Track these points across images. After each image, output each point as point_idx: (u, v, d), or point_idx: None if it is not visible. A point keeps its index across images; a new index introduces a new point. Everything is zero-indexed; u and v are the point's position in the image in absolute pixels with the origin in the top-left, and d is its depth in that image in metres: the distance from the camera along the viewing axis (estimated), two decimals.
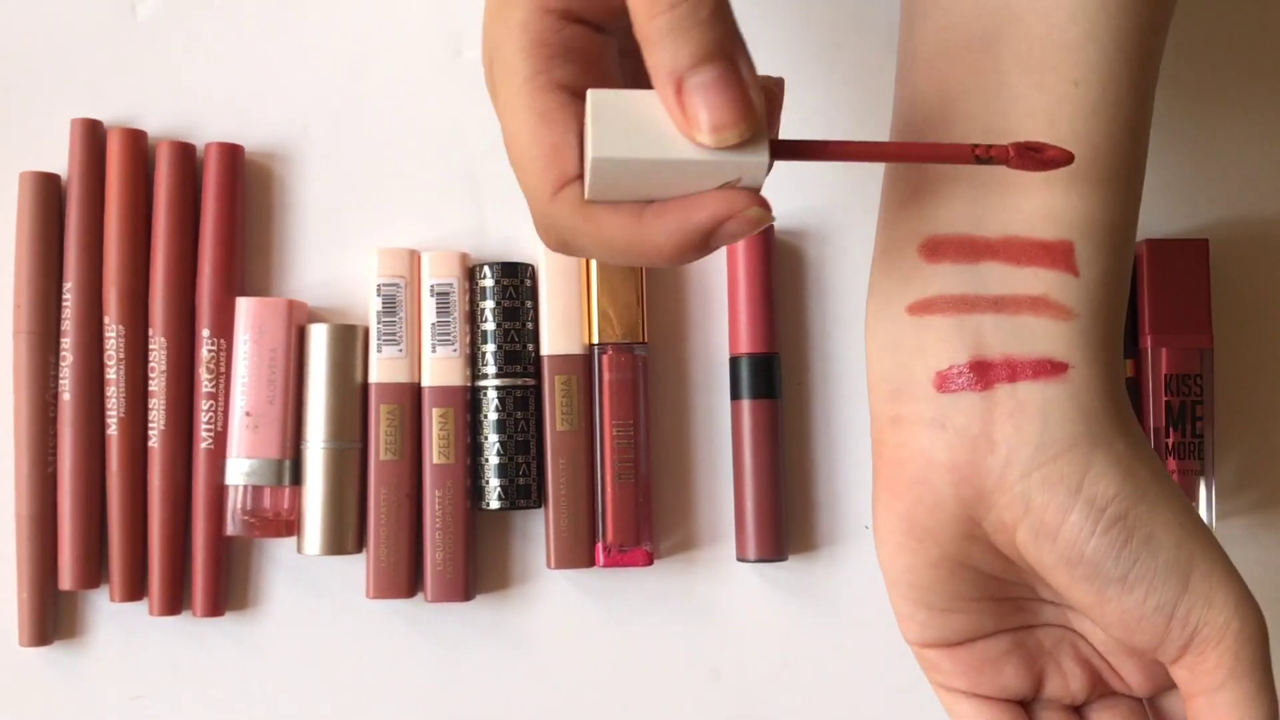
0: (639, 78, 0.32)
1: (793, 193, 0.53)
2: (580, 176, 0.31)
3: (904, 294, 0.35)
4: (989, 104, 0.34)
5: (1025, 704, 0.37)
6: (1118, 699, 0.37)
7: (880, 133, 0.52)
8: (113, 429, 0.51)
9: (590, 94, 0.31)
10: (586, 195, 0.31)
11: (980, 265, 0.34)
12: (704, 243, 0.31)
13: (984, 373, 0.33)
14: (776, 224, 0.52)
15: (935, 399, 0.33)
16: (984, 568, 0.35)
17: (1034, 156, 0.32)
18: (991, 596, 0.36)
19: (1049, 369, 0.33)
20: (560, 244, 0.33)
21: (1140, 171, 0.35)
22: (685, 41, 0.29)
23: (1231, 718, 0.33)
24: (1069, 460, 0.32)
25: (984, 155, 0.32)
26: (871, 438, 0.36)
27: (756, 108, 0.30)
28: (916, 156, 0.33)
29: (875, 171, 0.53)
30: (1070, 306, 0.33)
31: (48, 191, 0.52)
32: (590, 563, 0.51)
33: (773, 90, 0.33)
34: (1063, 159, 0.32)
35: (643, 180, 0.31)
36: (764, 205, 0.31)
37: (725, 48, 0.30)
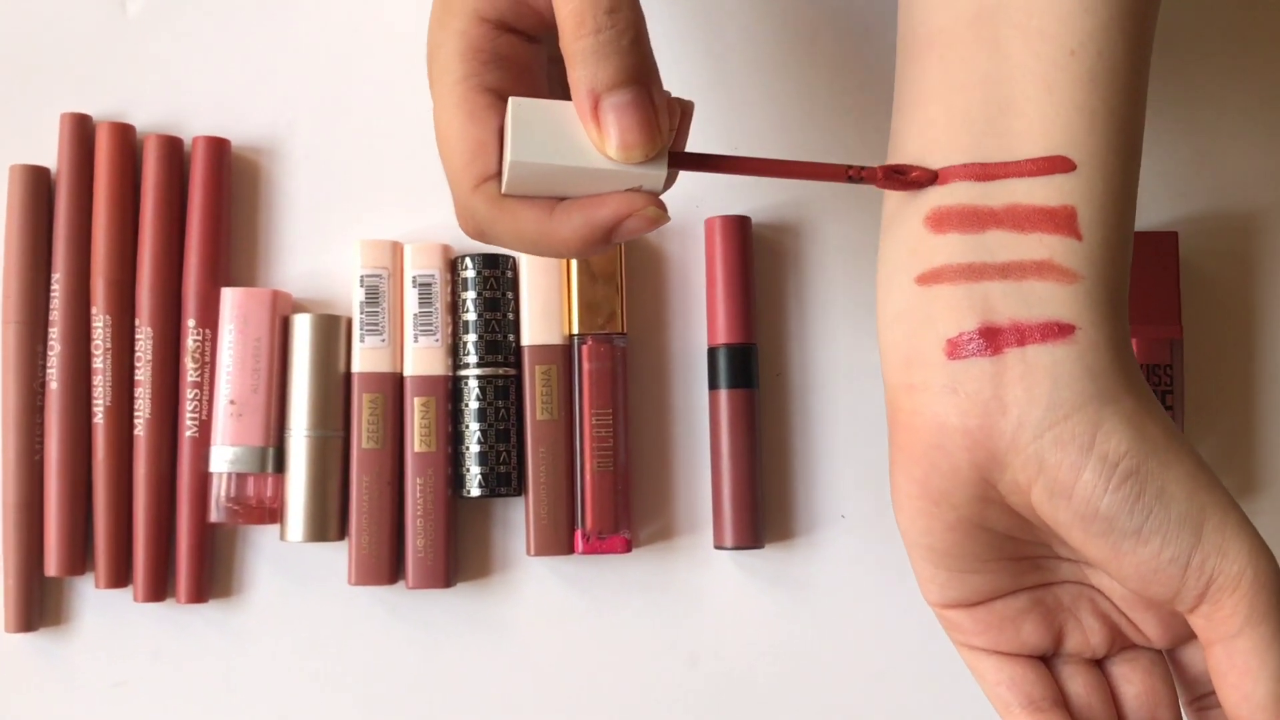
0: (565, 84, 0.35)
1: (771, 185, 0.53)
2: (499, 173, 0.35)
3: (912, 265, 0.35)
4: (989, 74, 0.35)
5: (1046, 659, 0.38)
6: (1137, 651, 0.38)
7: (856, 119, 0.53)
8: (99, 417, 0.52)
9: (511, 101, 0.35)
10: (503, 190, 0.35)
11: (985, 234, 0.34)
12: (606, 237, 0.35)
13: (993, 338, 0.34)
14: (755, 216, 0.53)
15: (947, 366, 0.34)
16: (1000, 528, 0.36)
17: (899, 178, 0.35)
18: (1009, 556, 0.36)
19: (1056, 331, 0.33)
20: (477, 233, 0.37)
21: (1139, 138, 0.36)
22: (605, 64, 0.33)
23: (1250, 662, 0.33)
24: (1080, 419, 0.33)
25: (856, 175, 0.35)
26: (886, 406, 0.37)
27: (663, 131, 0.34)
28: (800, 173, 0.36)
29: (855, 159, 0.53)
30: (1075, 270, 0.34)
31: (37, 184, 0.53)
32: (569, 550, 0.51)
33: (684, 109, 0.36)
34: (925, 180, 0.35)
35: (554, 182, 0.35)
36: (660, 206, 0.35)
37: (640, 74, 0.34)
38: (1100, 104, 0.35)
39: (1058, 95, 0.34)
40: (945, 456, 0.34)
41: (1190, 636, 0.37)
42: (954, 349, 0.34)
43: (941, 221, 0.35)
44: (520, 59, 0.37)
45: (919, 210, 0.35)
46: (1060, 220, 0.34)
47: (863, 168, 0.35)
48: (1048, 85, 0.34)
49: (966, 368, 0.34)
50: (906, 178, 0.35)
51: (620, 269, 0.52)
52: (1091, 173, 0.34)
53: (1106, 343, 0.34)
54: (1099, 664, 0.38)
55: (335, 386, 0.51)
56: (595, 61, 0.33)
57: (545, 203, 0.35)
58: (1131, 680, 0.38)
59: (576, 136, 0.34)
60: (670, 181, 0.36)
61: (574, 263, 0.52)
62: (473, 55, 0.36)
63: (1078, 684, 0.38)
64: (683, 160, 0.36)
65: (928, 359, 0.35)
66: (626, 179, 0.34)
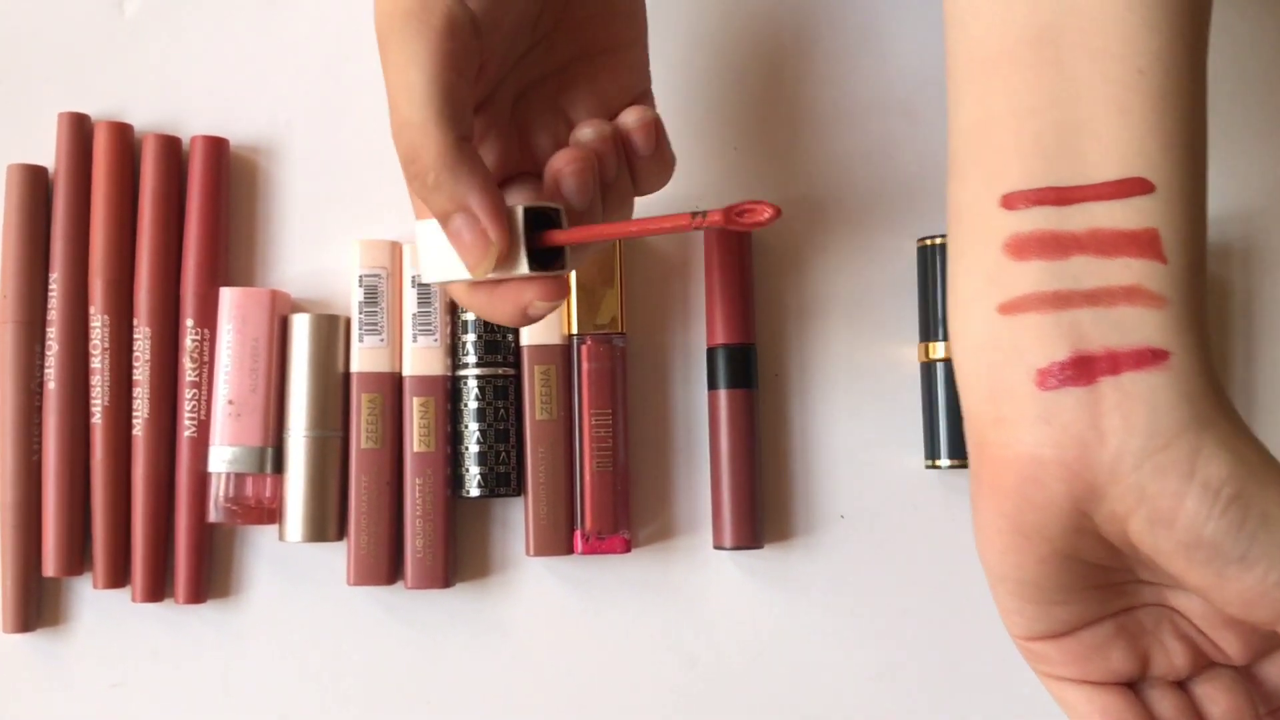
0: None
1: (772, 186, 0.53)
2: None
3: (992, 294, 0.34)
4: (1058, 97, 0.34)
5: (1132, 685, 0.37)
6: (1218, 670, 0.37)
7: (850, 125, 0.53)
8: (97, 417, 0.51)
9: (416, 225, 0.41)
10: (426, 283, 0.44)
11: (1070, 260, 0.34)
12: (526, 319, 0.40)
13: (1086, 367, 0.33)
14: None
15: (1038, 397, 0.33)
16: (1091, 558, 0.35)
17: (738, 220, 0.36)
18: (1096, 584, 0.36)
19: (1151, 358, 0.33)
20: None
21: (1205, 156, 0.35)
22: (429, 204, 0.38)
23: None
24: (1180, 446, 0.32)
25: (700, 223, 0.37)
26: (969, 440, 0.36)
27: (495, 242, 0.38)
28: (644, 230, 0.39)
29: (853, 163, 0.54)
30: (1163, 294, 0.33)
31: (35, 184, 0.53)
32: (569, 550, 0.51)
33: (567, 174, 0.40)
34: (766, 220, 0.36)
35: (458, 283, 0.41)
36: (547, 294, 0.39)
37: (456, 202, 0.37)
38: (1172, 123, 0.34)
39: (1130, 116, 0.34)
40: (1040, 490, 0.34)
41: (1268, 651, 0.37)
42: (1044, 379, 0.33)
43: (1022, 248, 0.34)
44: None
45: (995, 237, 0.35)
46: (1144, 243, 0.33)
47: (705, 212, 0.36)
48: (1120, 106, 0.34)
49: (1059, 398, 0.33)
50: (743, 220, 0.36)
51: (619, 269, 0.52)
52: (1169, 193, 0.34)
53: (1198, 367, 0.33)
54: (1182, 686, 0.38)
55: (334, 386, 0.51)
56: (425, 201, 0.38)
57: (482, 286, 0.40)
58: (1216, 700, 0.37)
59: None
60: (554, 267, 0.39)
61: (573, 298, 0.52)
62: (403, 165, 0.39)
63: (1166, 707, 0.37)
64: (541, 253, 0.39)
65: (1016, 391, 0.34)
66: (503, 276, 0.39)
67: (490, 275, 0.38)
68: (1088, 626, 0.37)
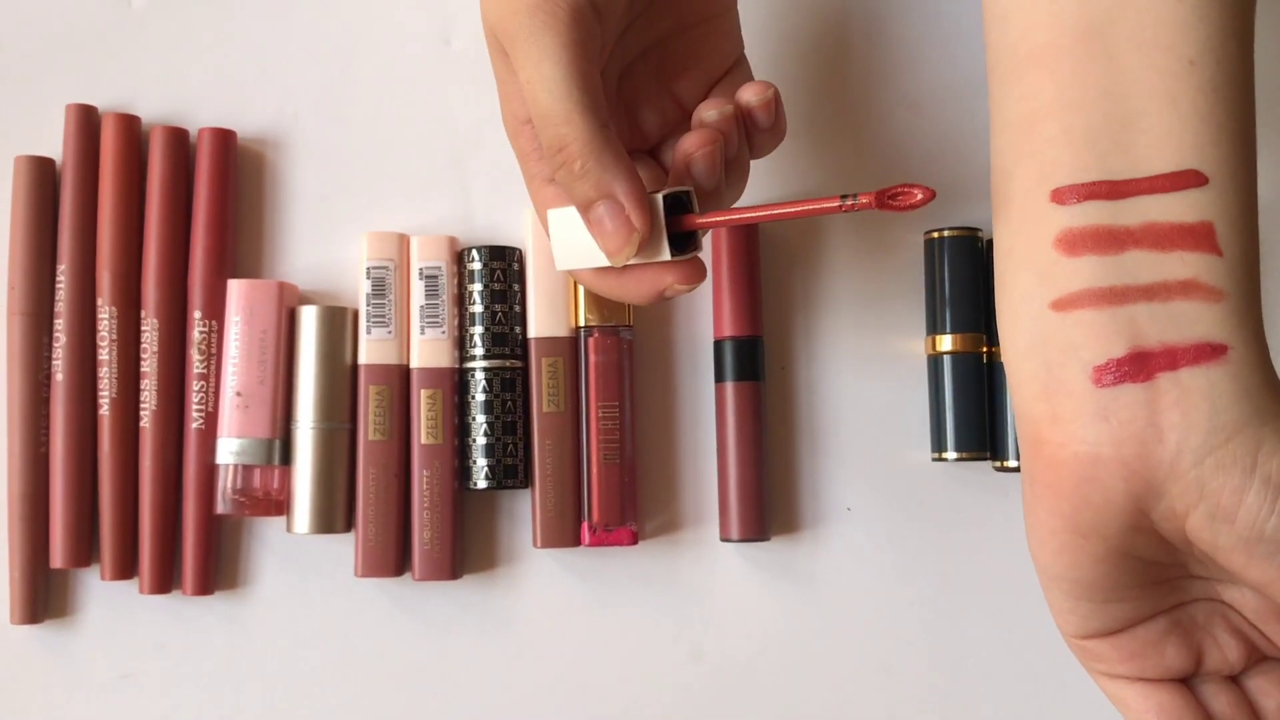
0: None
1: (779, 178, 0.53)
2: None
3: (1045, 290, 0.34)
4: (1108, 90, 0.34)
5: (1186, 681, 0.37)
6: (1271, 664, 0.37)
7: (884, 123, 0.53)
8: (105, 409, 0.51)
9: (549, 213, 0.42)
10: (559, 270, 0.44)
11: (1124, 254, 0.33)
12: (659, 299, 0.42)
13: (1144, 363, 0.33)
14: None
15: (1095, 394, 0.33)
16: (1147, 555, 0.35)
17: (891, 204, 0.37)
18: (1151, 581, 0.36)
19: (1209, 352, 0.33)
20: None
21: (1254, 147, 0.35)
22: (574, 192, 0.39)
23: None
24: (1240, 441, 0.32)
25: (849, 206, 0.37)
26: (1022, 439, 0.35)
27: (636, 230, 0.39)
28: (797, 213, 0.39)
29: (860, 156, 0.54)
30: (1220, 287, 0.33)
31: (42, 175, 0.52)
32: (576, 542, 0.51)
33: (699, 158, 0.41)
34: (919, 201, 0.36)
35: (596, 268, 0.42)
36: (687, 277, 0.41)
37: (602, 190, 0.39)
38: (1224, 114, 0.34)
39: (1182, 107, 0.33)
40: (1098, 489, 0.33)
41: None
42: (1101, 376, 0.33)
43: (1075, 244, 0.34)
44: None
45: (1046, 233, 0.34)
46: (1200, 237, 0.33)
47: (855, 195, 0.37)
48: (1171, 98, 0.34)
49: (1117, 395, 0.33)
50: (901, 201, 0.36)
51: None
52: (1223, 185, 0.33)
53: (1257, 361, 0.33)
54: (1235, 680, 0.37)
55: (342, 378, 0.51)
56: (569, 190, 0.39)
57: (611, 271, 0.42)
58: (1270, 694, 0.37)
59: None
60: (689, 250, 0.41)
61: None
62: (528, 155, 0.42)
63: (1221, 703, 0.37)
64: (681, 237, 0.40)
65: (1072, 388, 0.33)
66: (640, 262, 0.40)
67: (630, 261, 0.40)
68: (1142, 623, 0.36)
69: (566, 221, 0.41)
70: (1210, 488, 0.32)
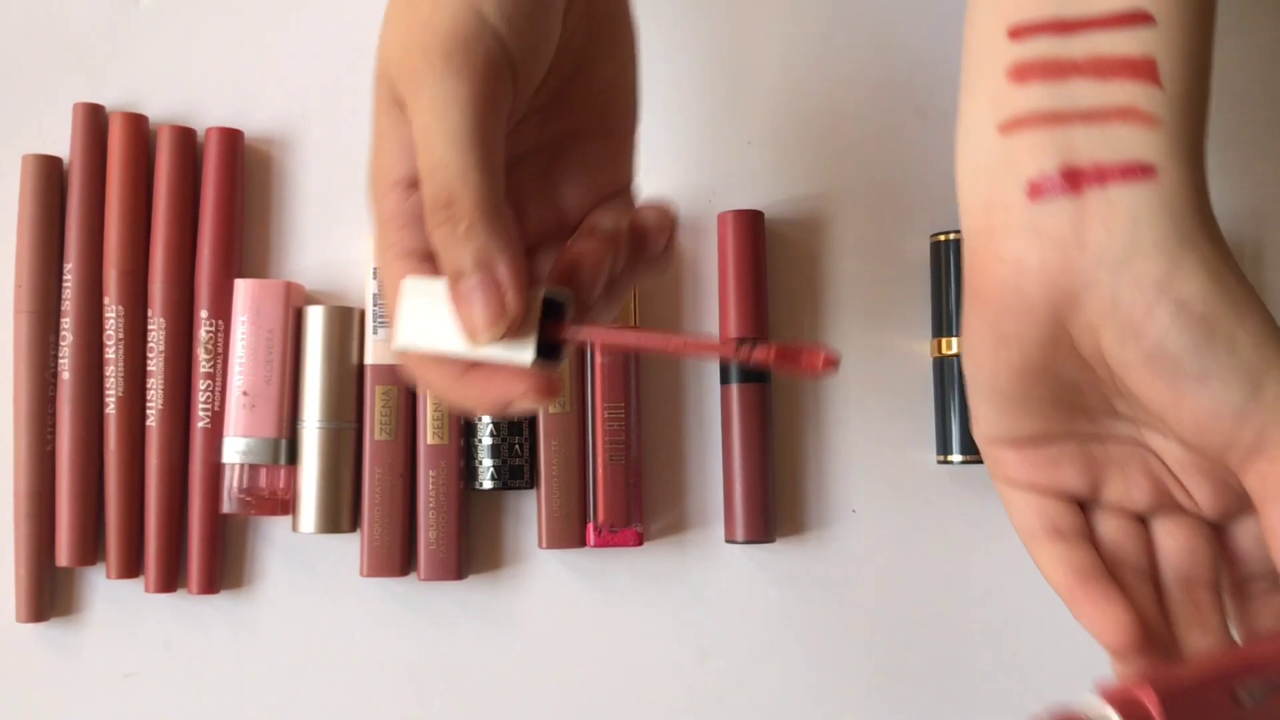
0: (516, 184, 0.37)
1: (785, 181, 0.53)
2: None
3: (994, 114, 0.36)
4: None
5: (1084, 505, 0.39)
6: (1183, 514, 0.38)
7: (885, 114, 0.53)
8: (111, 408, 0.52)
9: (404, 282, 0.35)
10: (395, 353, 0.37)
11: (1068, 82, 0.35)
12: (504, 410, 0.36)
13: (1075, 178, 0.34)
14: (768, 211, 0.53)
15: (1028, 207, 0.35)
16: (1065, 374, 0.36)
17: (792, 362, 0.34)
18: (1068, 404, 0.37)
19: (1138, 172, 0.34)
20: (413, 382, 0.38)
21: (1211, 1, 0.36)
22: (450, 256, 0.34)
23: None
24: (1157, 259, 0.33)
25: (745, 355, 0.34)
26: (964, 256, 0.37)
27: (511, 310, 0.34)
28: (684, 350, 0.36)
29: (866, 159, 0.54)
30: (1157, 115, 0.34)
31: (50, 174, 0.53)
32: (581, 543, 0.51)
33: (584, 259, 0.37)
34: (822, 369, 0.34)
35: (444, 354, 0.35)
36: (543, 390, 0.35)
37: (482, 259, 0.34)
38: None
39: None
40: (1021, 297, 0.35)
41: (1240, 511, 0.37)
42: (1035, 191, 0.35)
43: (1024, 73, 0.35)
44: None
45: (1000, 65, 0.36)
46: (1141, 69, 0.35)
47: (754, 343, 0.34)
48: None
49: (1047, 207, 0.34)
50: (802, 362, 0.34)
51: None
52: (1168, 26, 0.35)
53: (1188, 186, 0.34)
54: (1143, 522, 0.39)
55: (348, 378, 0.52)
56: (444, 250, 0.34)
57: (452, 368, 0.36)
58: (1175, 536, 0.38)
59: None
60: (552, 360, 0.35)
61: None
62: (388, 221, 0.36)
63: (1111, 527, 0.38)
64: (549, 347, 0.35)
65: (1009, 202, 0.35)
66: (503, 357, 0.35)
67: (484, 352, 0.35)
68: (1050, 443, 0.38)
69: (422, 294, 0.35)
70: (1123, 301, 0.34)
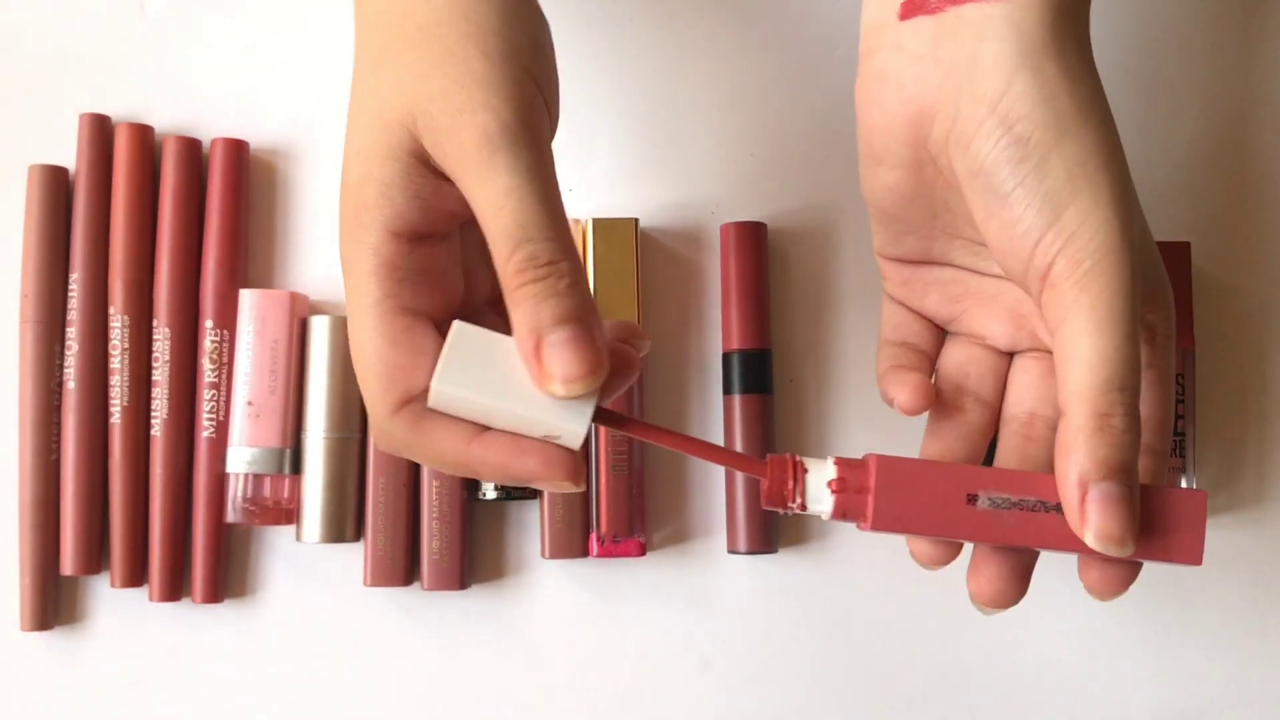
0: (479, 268, 0.37)
1: (788, 191, 0.54)
2: (419, 397, 0.34)
3: None
4: None
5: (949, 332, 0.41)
6: (1042, 353, 0.39)
7: None
8: (116, 417, 0.52)
9: (455, 325, 0.34)
10: (429, 404, 0.34)
11: None
12: (520, 483, 0.34)
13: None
14: (770, 223, 0.53)
15: (897, 28, 0.37)
16: (937, 196, 0.37)
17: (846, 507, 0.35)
18: (943, 230, 0.39)
19: None
20: (395, 450, 0.35)
21: None
22: (546, 306, 0.33)
23: (1069, 352, 0.33)
24: (995, 77, 0.34)
25: (787, 497, 0.36)
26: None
27: (603, 365, 0.33)
28: (717, 458, 0.36)
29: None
30: None
31: (56, 184, 0.53)
32: (584, 553, 0.51)
33: (626, 360, 0.35)
34: (864, 519, 0.36)
35: (476, 411, 0.34)
36: (575, 478, 0.34)
37: (580, 313, 0.33)
38: None
39: None
40: (884, 112, 0.37)
41: None
42: (906, 10, 0.36)
43: None
44: (436, 267, 0.35)
45: None
46: None
47: (797, 472, 0.36)
48: None
49: (913, 25, 0.36)
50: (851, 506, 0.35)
51: (636, 273, 0.52)
52: None
53: (1042, 7, 0.35)
54: (1010, 357, 0.40)
55: (352, 388, 0.52)
56: (536, 305, 0.33)
57: (466, 430, 0.34)
58: (1029, 370, 0.39)
59: (507, 373, 0.34)
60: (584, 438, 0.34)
61: (590, 267, 0.52)
62: (388, 274, 0.34)
63: (962, 354, 0.40)
64: (606, 416, 0.35)
65: (884, 24, 0.37)
66: (546, 424, 0.34)
67: (532, 413, 0.33)
68: (926, 264, 0.40)
69: (478, 343, 0.34)
70: (961, 114, 0.35)
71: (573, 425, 0.33)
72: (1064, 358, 0.34)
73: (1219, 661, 0.52)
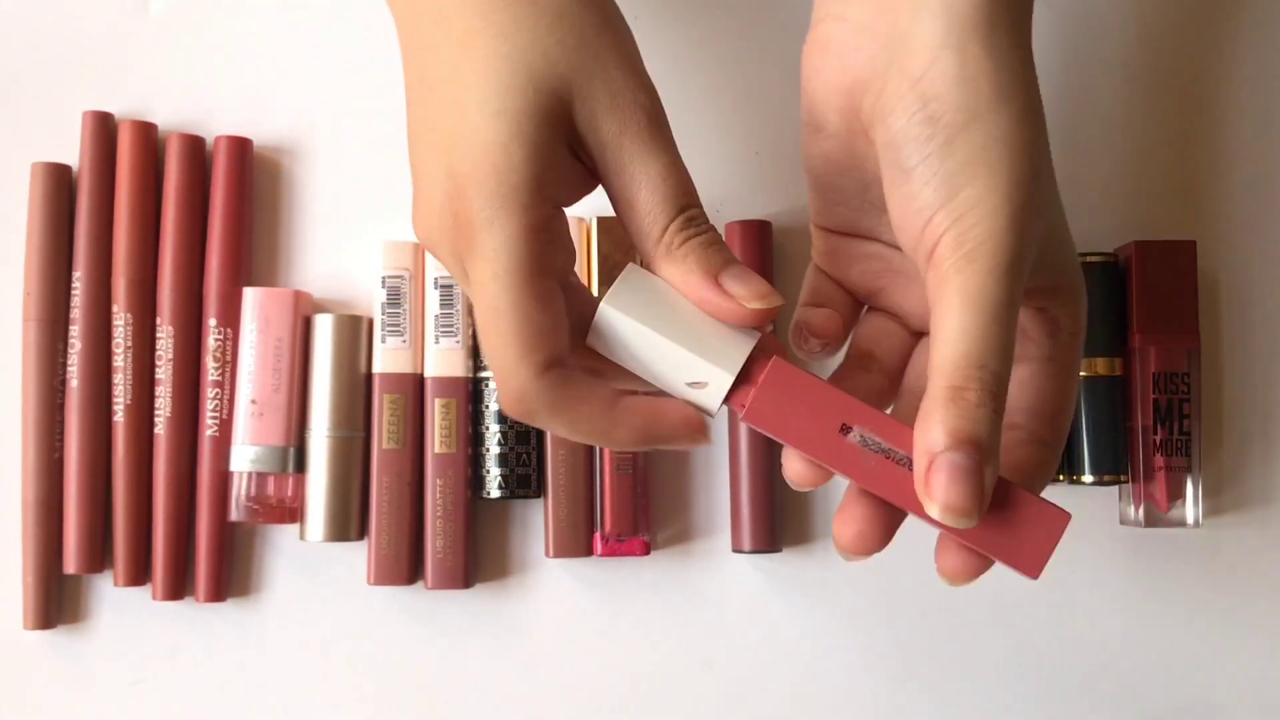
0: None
1: (794, 191, 0.54)
2: (563, 361, 0.35)
3: None
4: None
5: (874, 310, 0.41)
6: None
7: None
8: (119, 415, 0.52)
9: (629, 266, 0.36)
10: (586, 341, 0.36)
11: None
12: (654, 444, 0.36)
13: None
14: (775, 221, 0.53)
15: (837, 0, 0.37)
16: (867, 169, 0.37)
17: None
18: (873, 204, 0.39)
19: None
20: (527, 415, 0.36)
21: None
22: (714, 252, 0.36)
23: (937, 329, 0.34)
24: (920, 54, 0.34)
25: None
26: None
27: (775, 293, 0.36)
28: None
29: None
30: None
31: (59, 182, 0.53)
32: (588, 552, 0.51)
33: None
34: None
35: (635, 345, 0.36)
36: (708, 438, 0.36)
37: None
38: None
39: None
40: (823, 82, 0.37)
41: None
42: None
43: None
44: (565, 233, 0.37)
45: None
46: None
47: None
48: None
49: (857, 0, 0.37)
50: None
51: None
52: None
53: None
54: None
55: (356, 387, 0.52)
56: (706, 252, 0.36)
57: (608, 393, 0.35)
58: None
59: (670, 311, 0.36)
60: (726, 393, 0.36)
61: (594, 267, 0.52)
62: (537, 236, 0.35)
63: (876, 327, 0.40)
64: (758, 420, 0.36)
65: None
66: (696, 371, 0.35)
67: (683, 353, 0.35)
68: (852, 238, 0.40)
69: (646, 282, 0.36)
70: (887, 89, 0.35)
71: (728, 362, 0.35)
72: (934, 335, 0.34)
73: (1223, 660, 0.52)
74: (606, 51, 0.36)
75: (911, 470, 0.34)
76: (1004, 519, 0.34)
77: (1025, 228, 0.34)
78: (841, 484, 0.51)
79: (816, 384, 0.35)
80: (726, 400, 0.36)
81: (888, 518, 0.36)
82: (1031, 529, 0.35)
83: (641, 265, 0.37)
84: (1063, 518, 0.35)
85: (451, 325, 0.52)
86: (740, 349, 0.35)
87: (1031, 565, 0.35)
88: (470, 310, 0.52)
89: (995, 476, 0.34)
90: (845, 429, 0.35)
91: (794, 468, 0.36)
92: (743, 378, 0.35)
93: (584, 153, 0.36)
